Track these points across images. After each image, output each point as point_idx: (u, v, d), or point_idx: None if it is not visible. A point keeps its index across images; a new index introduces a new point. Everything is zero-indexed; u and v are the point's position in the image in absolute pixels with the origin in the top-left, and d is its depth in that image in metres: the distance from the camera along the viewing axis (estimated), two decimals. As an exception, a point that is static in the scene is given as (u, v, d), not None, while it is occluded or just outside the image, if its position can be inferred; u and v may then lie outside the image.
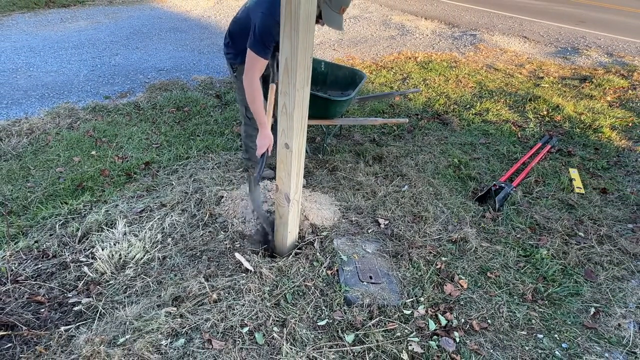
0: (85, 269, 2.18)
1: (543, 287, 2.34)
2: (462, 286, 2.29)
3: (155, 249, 2.33)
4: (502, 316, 2.14)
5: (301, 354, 1.82)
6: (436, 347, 1.92)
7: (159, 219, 2.55)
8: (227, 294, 2.05)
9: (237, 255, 2.27)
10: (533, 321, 2.14)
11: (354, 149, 3.69)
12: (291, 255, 2.36)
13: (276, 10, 2.11)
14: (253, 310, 1.98)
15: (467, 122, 4.32)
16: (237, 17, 2.46)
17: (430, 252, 2.49)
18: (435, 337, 1.97)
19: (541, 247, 2.62)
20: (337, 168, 3.35)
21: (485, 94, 5.06)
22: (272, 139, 2.32)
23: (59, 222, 2.55)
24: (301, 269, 2.23)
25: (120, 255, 2.27)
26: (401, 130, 4.09)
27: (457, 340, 1.97)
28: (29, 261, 2.23)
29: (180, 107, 4.26)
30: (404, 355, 1.86)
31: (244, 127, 2.86)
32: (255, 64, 2.23)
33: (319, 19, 2.21)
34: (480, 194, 3.07)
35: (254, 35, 2.18)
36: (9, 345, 1.80)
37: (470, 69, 5.79)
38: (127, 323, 1.89)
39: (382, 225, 2.68)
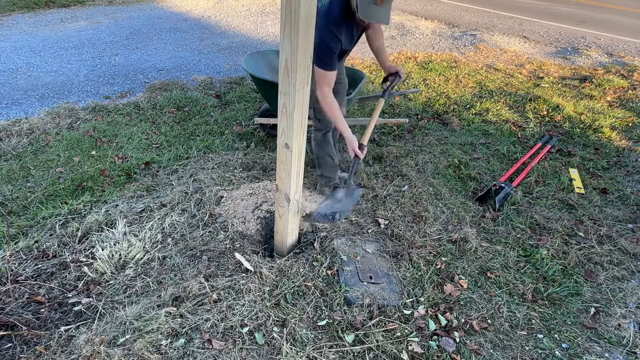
0: (85, 269, 2.18)
1: (543, 287, 2.34)
2: (462, 286, 2.29)
3: (155, 249, 2.33)
4: (502, 316, 2.14)
5: (301, 354, 1.82)
6: (436, 347, 1.92)
7: (159, 219, 2.55)
8: (227, 294, 2.05)
9: (237, 255, 2.27)
10: (533, 321, 2.14)
11: (354, 149, 3.68)
12: (291, 255, 2.36)
13: (329, 20, 2.17)
14: (253, 310, 1.98)
15: (467, 122, 4.32)
16: None
17: (430, 252, 2.49)
18: (435, 337, 1.97)
19: (541, 247, 2.62)
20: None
21: (485, 94, 5.07)
22: (355, 139, 2.35)
23: (59, 222, 2.55)
24: (301, 269, 2.23)
25: (120, 255, 2.27)
26: (401, 130, 4.09)
27: (457, 340, 1.97)
28: (29, 261, 2.23)
29: (180, 107, 4.26)
30: (404, 355, 1.86)
31: (314, 134, 2.80)
32: (321, 78, 2.26)
33: (355, 14, 2.14)
34: (480, 194, 3.07)
35: (315, 50, 2.22)
36: (9, 345, 1.80)
37: (470, 69, 5.79)
38: (127, 323, 1.88)
39: (382, 225, 2.68)
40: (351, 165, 2.42)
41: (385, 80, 2.89)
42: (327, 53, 2.22)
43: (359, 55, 6.15)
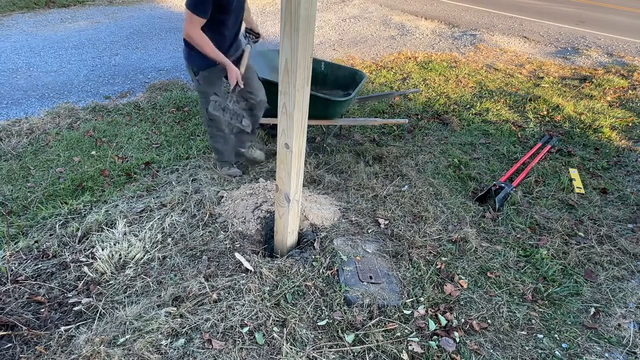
0: (85, 269, 2.18)
1: (543, 287, 2.34)
2: (462, 286, 2.29)
3: (155, 249, 2.33)
4: (502, 316, 2.14)
5: (301, 354, 1.82)
6: (436, 347, 1.92)
7: (159, 219, 2.55)
8: (227, 294, 2.05)
9: (237, 255, 2.27)
10: (533, 321, 2.14)
11: (354, 149, 3.69)
12: (291, 255, 2.36)
13: None
14: (253, 310, 1.98)
15: (467, 122, 4.33)
16: None
17: (430, 252, 2.49)
18: (435, 337, 1.97)
19: (541, 247, 2.62)
20: (337, 168, 3.35)
21: (485, 94, 5.07)
22: (237, 70, 2.58)
23: (59, 222, 2.55)
24: (301, 269, 2.23)
25: (120, 255, 2.27)
26: (401, 130, 4.09)
27: (457, 340, 1.97)
28: (29, 261, 2.23)
29: (180, 107, 4.26)
30: (404, 355, 1.86)
31: (209, 130, 2.97)
32: (189, 18, 2.36)
33: None
34: (480, 194, 3.07)
35: None
36: (9, 345, 1.80)
37: (470, 69, 5.79)
38: (127, 323, 1.89)
39: (382, 225, 2.68)
40: (231, 91, 2.63)
41: (248, 32, 3.01)
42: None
43: (359, 55, 6.15)
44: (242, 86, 2.62)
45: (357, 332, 1.94)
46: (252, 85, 2.92)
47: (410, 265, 2.38)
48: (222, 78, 2.77)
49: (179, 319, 1.90)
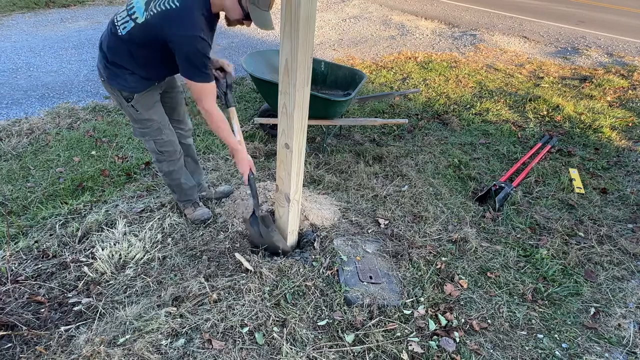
0: (85, 269, 2.18)
1: (543, 287, 2.34)
2: (462, 286, 2.29)
3: (155, 249, 2.33)
4: (502, 316, 2.14)
5: (301, 354, 1.82)
6: (436, 347, 1.92)
7: (159, 219, 2.55)
8: (227, 294, 2.05)
9: (237, 255, 2.27)
10: (533, 321, 2.14)
11: (354, 149, 3.69)
12: (291, 255, 2.36)
13: (196, 26, 1.89)
14: (253, 310, 1.98)
15: (467, 122, 4.33)
16: (130, 32, 2.13)
17: (430, 252, 2.49)
18: (435, 337, 1.97)
19: (541, 247, 2.62)
20: (337, 168, 3.35)
21: (485, 94, 5.06)
22: (251, 161, 2.25)
23: (59, 222, 2.55)
24: (301, 269, 2.23)
25: (120, 255, 2.27)
26: (401, 130, 4.09)
27: (457, 340, 1.97)
28: (29, 261, 2.23)
29: (180, 107, 4.26)
30: (404, 355, 1.86)
31: (159, 165, 2.41)
32: (204, 92, 2.01)
33: (244, 20, 2.05)
34: (480, 194, 3.07)
35: (190, 64, 1.93)
36: (9, 345, 1.80)
37: (470, 69, 5.79)
38: (127, 323, 1.89)
39: (382, 225, 2.68)
40: (252, 189, 2.24)
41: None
42: (206, 62, 1.96)
43: (359, 55, 6.15)
44: (255, 174, 2.27)
45: (357, 332, 1.94)
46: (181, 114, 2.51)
47: (410, 265, 2.38)
48: (159, 98, 2.30)
49: (179, 319, 1.90)
